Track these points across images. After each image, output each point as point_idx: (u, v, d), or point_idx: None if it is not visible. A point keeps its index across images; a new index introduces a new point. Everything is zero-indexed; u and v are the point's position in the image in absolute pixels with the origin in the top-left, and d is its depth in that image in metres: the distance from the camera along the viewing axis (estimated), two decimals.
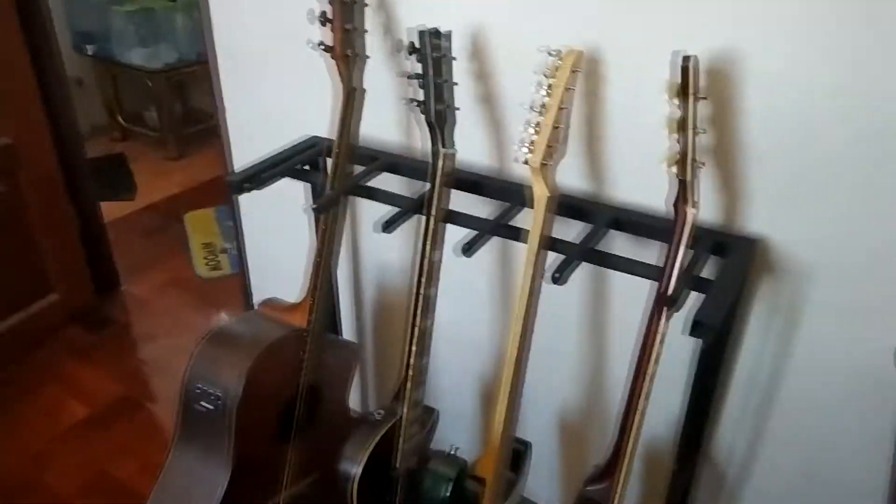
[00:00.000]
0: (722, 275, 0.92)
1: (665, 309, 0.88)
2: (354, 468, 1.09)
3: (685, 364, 1.15)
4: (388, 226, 1.04)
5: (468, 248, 0.98)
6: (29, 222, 2.07)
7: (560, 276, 0.91)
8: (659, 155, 0.89)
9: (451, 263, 1.13)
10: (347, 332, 1.66)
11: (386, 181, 1.24)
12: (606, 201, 1.12)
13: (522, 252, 1.01)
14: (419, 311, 1.12)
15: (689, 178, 0.87)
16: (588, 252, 0.98)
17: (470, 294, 1.35)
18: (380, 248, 1.49)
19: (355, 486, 1.09)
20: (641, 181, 1.09)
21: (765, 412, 1.14)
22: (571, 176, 1.14)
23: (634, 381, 0.96)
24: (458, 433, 1.51)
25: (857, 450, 1.08)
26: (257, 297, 1.76)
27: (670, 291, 0.90)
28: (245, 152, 1.58)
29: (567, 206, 1.09)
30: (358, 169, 1.21)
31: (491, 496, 1.09)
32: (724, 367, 1.12)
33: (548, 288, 1.26)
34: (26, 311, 2.13)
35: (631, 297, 1.17)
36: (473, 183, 1.16)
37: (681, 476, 1.21)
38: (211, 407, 1.11)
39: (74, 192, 2.24)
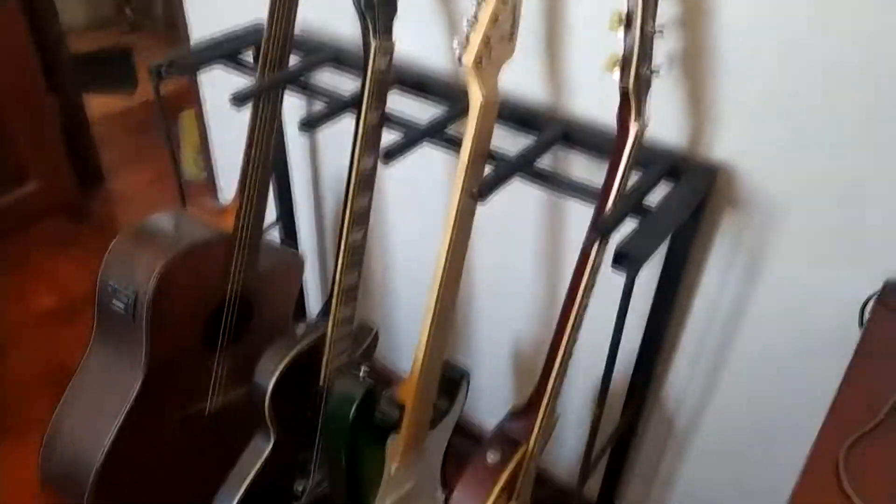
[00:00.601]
0: (666, 202, 0.81)
1: (597, 238, 0.77)
2: (269, 381, 1.03)
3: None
4: (310, 124, 0.94)
5: (389, 155, 0.87)
6: (6, 112, 2.01)
7: (481, 193, 0.80)
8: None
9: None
10: (308, 244, 1.58)
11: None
12: (564, 114, 1.00)
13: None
14: (348, 223, 1.02)
15: (631, 86, 0.74)
16: (521, 166, 0.86)
17: (510, 243, 1.23)
18: (342, 157, 1.38)
19: (267, 401, 1.03)
20: (605, 92, 0.95)
21: (719, 359, 1.04)
22: (526, 82, 1.01)
23: (563, 311, 0.86)
24: (494, 390, 1.44)
25: (807, 410, 0.98)
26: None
27: (605, 216, 0.78)
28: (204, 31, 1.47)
29: (515, 115, 0.97)
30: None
31: (412, 422, 1.02)
32: (677, 305, 1.02)
33: (505, 208, 1.16)
34: (4, 198, 2.09)
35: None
36: (417, 82, 1.04)
37: (626, 417, 1.13)
38: (122, 306, 1.05)
39: (56, 84, 2.16)
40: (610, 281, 0.83)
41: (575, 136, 0.93)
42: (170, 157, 1.23)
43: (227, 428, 1.25)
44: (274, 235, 1.46)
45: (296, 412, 1.09)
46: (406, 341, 1.53)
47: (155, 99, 1.08)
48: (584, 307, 0.86)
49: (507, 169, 0.84)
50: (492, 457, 0.89)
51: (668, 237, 0.92)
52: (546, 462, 1.39)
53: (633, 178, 0.84)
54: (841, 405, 0.64)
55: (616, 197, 0.79)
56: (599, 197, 0.81)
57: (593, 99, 0.96)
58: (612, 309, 0.78)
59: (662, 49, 0.87)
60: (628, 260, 0.71)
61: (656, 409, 1.16)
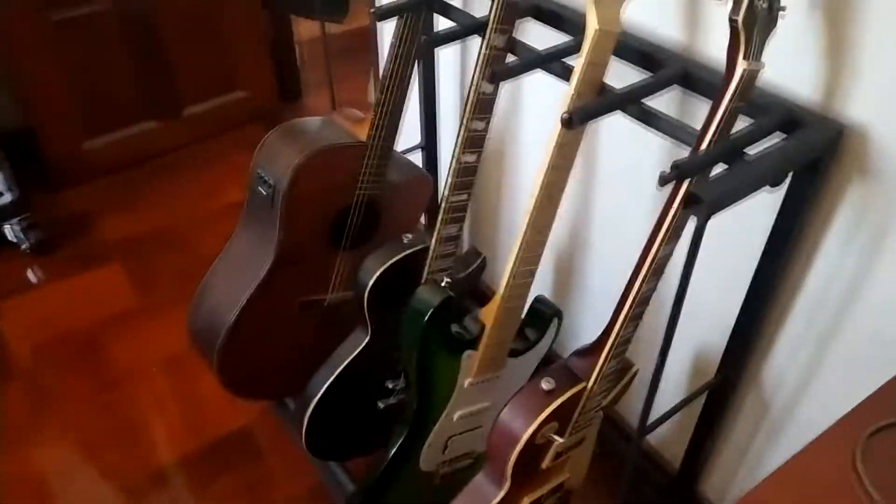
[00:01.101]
0: (768, 153, 0.75)
1: (672, 179, 0.74)
2: (369, 279, 1.12)
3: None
4: (434, 42, 0.98)
5: (496, 75, 0.89)
6: (225, 24, 2.29)
7: (571, 119, 0.80)
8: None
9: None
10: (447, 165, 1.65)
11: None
12: (690, 57, 0.94)
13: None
14: (462, 143, 1.07)
15: (741, 19, 0.69)
16: (625, 102, 0.84)
17: (630, 192, 1.20)
18: None
19: (366, 296, 1.12)
20: None
21: (825, 345, 0.95)
22: (655, 19, 0.97)
23: (642, 254, 0.84)
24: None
25: None
26: None
27: (688, 157, 0.75)
28: None
29: (638, 53, 0.94)
30: None
31: (489, 343, 1.06)
32: (787, 275, 0.94)
33: (624, 150, 1.13)
34: (215, 101, 2.40)
35: None
36: (553, 14, 1.04)
37: (720, 388, 1.08)
38: (265, 193, 1.19)
39: (271, 6, 2.42)
40: (716, 243, 0.79)
41: (695, 79, 0.88)
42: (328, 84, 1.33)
43: (341, 322, 1.38)
44: (417, 160, 1.54)
45: (392, 315, 1.18)
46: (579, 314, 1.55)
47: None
48: (662, 254, 0.83)
49: (607, 102, 0.83)
50: (547, 384, 0.91)
51: (781, 196, 0.85)
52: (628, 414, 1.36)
53: (743, 127, 0.79)
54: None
55: (711, 139, 0.75)
56: (695, 141, 0.77)
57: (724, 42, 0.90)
58: (716, 274, 0.74)
59: None
60: (699, 203, 0.68)
61: (753, 389, 1.09)
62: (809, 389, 1.01)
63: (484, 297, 1.59)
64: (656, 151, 1.09)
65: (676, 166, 0.73)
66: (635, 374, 1.03)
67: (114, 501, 1.41)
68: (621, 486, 1.05)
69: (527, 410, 0.91)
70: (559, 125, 0.89)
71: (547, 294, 1.48)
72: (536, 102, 1.31)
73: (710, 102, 0.91)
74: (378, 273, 1.11)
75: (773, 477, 0.51)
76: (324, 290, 1.34)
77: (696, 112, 0.98)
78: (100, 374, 1.65)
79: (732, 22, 0.71)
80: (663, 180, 0.73)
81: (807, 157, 0.77)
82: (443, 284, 1.03)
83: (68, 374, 1.65)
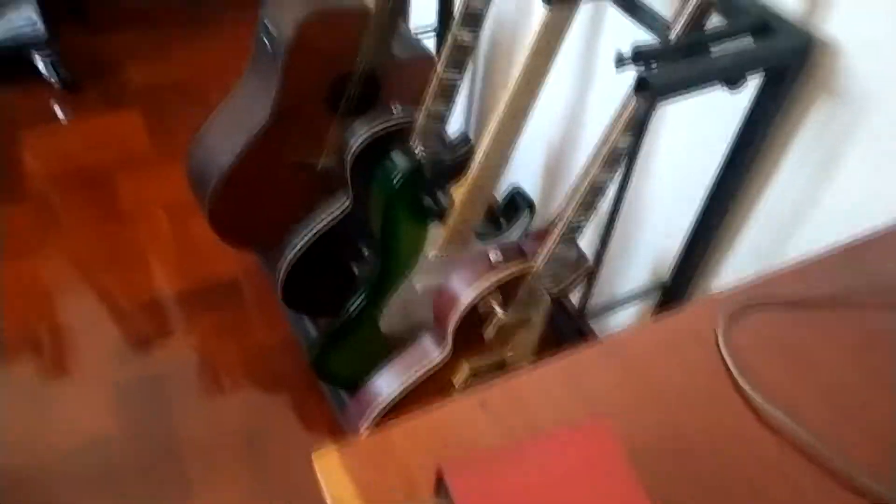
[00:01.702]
0: (725, 53, 0.76)
1: (632, 61, 0.75)
2: (354, 143, 1.16)
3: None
4: None
5: None
6: None
7: None
8: None
9: None
10: None
11: None
12: None
13: None
14: (459, 19, 1.08)
15: None
16: None
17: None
18: None
19: (349, 158, 1.17)
20: None
21: (773, 257, 0.98)
22: None
23: (598, 144, 0.87)
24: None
25: None
26: None
27: (650, 44, 0.76)
28: None
29: None
30: None
31: (458, 219, 1.11)
32: (744, 183, 0.95)
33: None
34: None
35: None
36: None
37: (670, 292, 1.12)
38: (268, 43, 1.22)
39: None
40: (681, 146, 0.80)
41: None
42: None
43: (331, 187, 1.43)
44: (430, 44, 1.55)
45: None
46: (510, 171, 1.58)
47: None
48: (619, 145, 0.85)
49: None
50: (494, 256, 0.96)
51: (749, 102, 0.86)
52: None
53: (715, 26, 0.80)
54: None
55: (680, 31, 0.76)
56: (664, 28, 0.78)
57: None
58: (675, 173, 0.76)
59: None
60: (646, 88, 0.70)
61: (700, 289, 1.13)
62: None
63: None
64: None
65: (637, 49, 0.75)
66: (590, 271, 1.07)
67: (105, 319, 1.53)
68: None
69: (473, 277, 0.97)
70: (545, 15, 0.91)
71: (534, 188, 1.52)
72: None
73: None
74: (364, 137, 1.15)
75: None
76: (317, 154, 1.39)
77: None
78: (107, 207, 1.75)
79: None
80: (619, 62, 0.75)
81: (767, 61, 0.78)
82: (418, 152, 1.07)
83: (77, 203, 1.75)
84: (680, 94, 0.73)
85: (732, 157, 0.91)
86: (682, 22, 0.76)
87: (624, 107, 0.82)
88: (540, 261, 0.97)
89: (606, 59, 1.21)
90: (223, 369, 1.48)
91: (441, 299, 1.00)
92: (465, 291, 0.96)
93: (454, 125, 1.77)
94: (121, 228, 1.71)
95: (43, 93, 2.01)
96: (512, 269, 0.96)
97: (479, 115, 1.68)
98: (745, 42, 0.79)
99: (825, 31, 0.80)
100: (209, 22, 2.34)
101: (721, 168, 0.93)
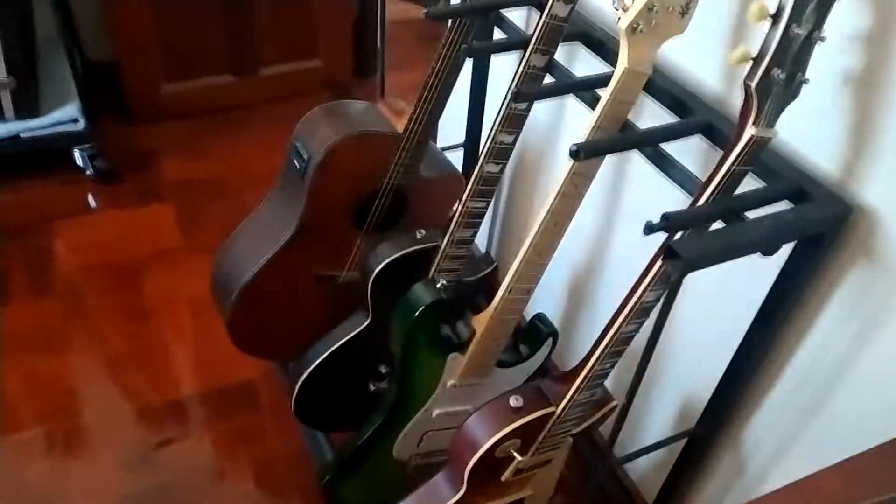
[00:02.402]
0: (765, 218, 0.74)
1: (658, 230, 0.74)
2: (374, 266, 1.16)
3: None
4: (472, 52, 1.00)
5: (519, 93, 0.91)
6: None
7: (578, 151, 0.81)
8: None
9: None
10: None
11: None
12: (719, 107, 0.93)
13: None
14: (487, 152, 1.08)
15: (755, 85, 0.69)
16: (637, 142, 0.85)
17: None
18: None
19: (370, 282, 1.16)
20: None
21: (808, 418, 0.93)
22: (693, 64, 0.96)
23: (628, 295, 0.85)
24: None
25: None
26: None
27: (680, 210, 0.75)
28: None
29: (669, 95, 0.94)
30: None
31: (477, 350, 1.09)
32: (775, 342, 0.92)
33: (650, 187, 1.13)
34: (291, 65, 2.49)
35: None
36: (600, 42, 1.04)
37: (699, 439, 1.07)
38: (298, 165, 1.24)
39: None
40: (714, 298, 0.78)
41: (718, 132, 0.88)
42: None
43: (352, 300, 1.42)
44: (458, 159, 1.57)
45: (392, 304, 1.22)
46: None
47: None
48: (647, 299, 0.83)
49: (620, 139, 0.84)
50: (515, 402, 0.93)
51: (780, 263, 0.84)
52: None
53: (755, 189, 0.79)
54: None
55: (711, 196, 0.75)
56: (696, 193, 0.77)
57: None
58: (710, 329, 0.75)
59: (840, 62, 0.77)
60: (675, 259, 0.69)
61: (730, 450, 1.08)
62: (782, 462, 0.99)
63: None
64: (678, 199, 1.08)
65: (666, 217, 0.73)
66: (614, 408, 1.04)
67: (119, 421, 1.51)
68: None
69: (491, 422, 0.93)
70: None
71: (557, 311, 1.50)
72: (577, 125, 1.31)
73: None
74: (386, 261, 1.14)
75: None
76: (340, 267, 1.39)
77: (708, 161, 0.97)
78: (134, 302, 1.76)
79: (746, 86, 0.70)
80: (649, 229, 0.74)
81: (806, 230, 0.76)
82: (439, 286, 1.05)
83: (105, 297, 1.76)
84: (711, 265, 0.71)
85: (764, 312, 0.88)
86: (715, 184, 0.75)
87: (651, 264, 0.80)
88: (562, 406, 0.94)
89: (633, 195, 1.20)
90: (234, 479, 1.45)
91: (458, 441, 0.96)
92: (484, 437, 0.93)
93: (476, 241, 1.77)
94: (144, 324, 1.71)
95: (77, 184, 2.07)
96: (533, 415, 0.93)
97: (501, 233, 1.68)
98: (781, 207, 0.77)
99: (864, 198, 0.78)
100: (245, 120, 2.41)
101: (753, 322, 0.90)
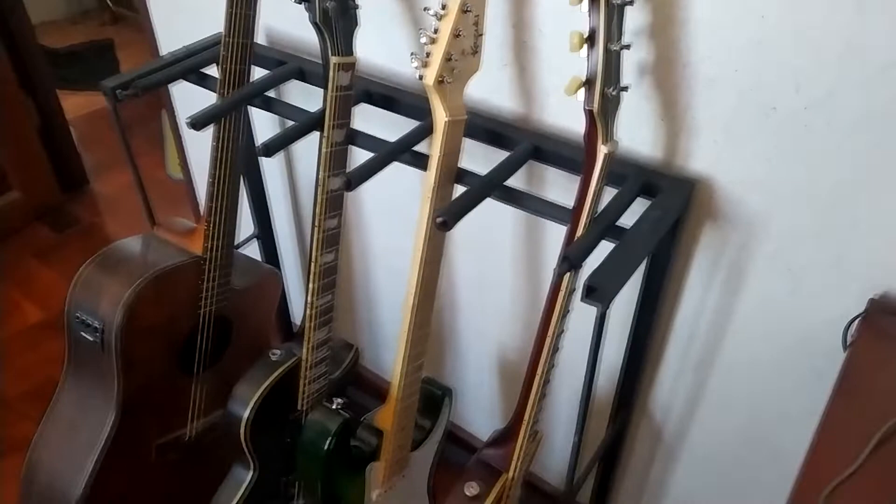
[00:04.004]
0: (640, 224, 0.77)
1: (566, 271, 0.73)
2: (244, 411, 1.00)
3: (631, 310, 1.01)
4: (269, 149, 0.89)
5: (351, 182, 0.83)
6: None
7: (445, 223, 0.76)
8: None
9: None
10: (289, 258, 1.55)
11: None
12: (536, 127, 0.95)
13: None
14: (318, 246, 0.99)
15: (597, 108, 0.70)
16: (489, 189, 0.82)
17: (489, 255, 1.18)
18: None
19: (246, 430, 1.00)
20: (578, 104, 0.91)
21: (703, 371, 1.01)
22: (494, 95, 0.97)
23: (538, 338, 0.83)
24: (477, 408, 1.42)
25: (794, 418, 0.95)
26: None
27: (574, 246, 0.75)
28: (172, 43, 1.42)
29: (485, 130, 0.93)
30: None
31: (391, 448, 1.00)
32: (660, 320, 0.99)
33: (482, 220, 1.12)
34: None
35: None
36: (385, 97, 1.00)
37: (614, 430, 1.10)
38: (91, 339, 1.02)
39: (31, 87, 2.11)
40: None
41: (547, 151, 0.89)
42: (133, 172, 1.18)
43: (212, 450, 1.23)
44: (253, 251, 1.42)
45: (275, 438, 1.07)
46: (392, 342, 1.51)
47: (114, 121, 1.05)
48: (558, 333, 0.83)
49: (474, 194, 0.80)
50: (470, 490, 0.87)
51: (647, 258, 0.89)
52: (536, 468, 1.37)
53: (609, 195, 0.81)
54: (821, 446, 0.61)
55: (587, 221, 0.76)
56: (570, 220, 0.77)
57: (565, 111, 0.92)
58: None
59: (632, 58, 0.82)
60: (599, 294, 0.68)
61: (644, 420, 1.14)
62: (694, 415, 1.07)
63: (367, 382, 1.52)
64: (508, 215, 1.09)
65: (566, 257, 0.72)
66: (540, 439, 1.02)
67: None
68: None
69: None
70: (425, 225, 0.86)
71: (435, 364, 1.45)
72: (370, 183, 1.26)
73: (560, 170, 0.94)
74: (253, 402, 0.99)
75: None
76: (182, 424, 1.19)
77: (544, 177, 0.99)
78: None
79: (588, 112, 0.71)
80: (559, 275, 0.72)
81: (675, 216, 0.81)
82: (335, 406, 0.94)
83: None
84: (622, 286, 0.71)
85: (643, 295, 0.93)
86: (588, 206, 0.75)
87: (552, 305, 0.79)
88: (513, 467, 0.90)
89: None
90: None
91: None
92: None
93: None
94: None
95: None
96: (494, 492, 0.88)
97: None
98: (640, 203, 0.81)
99: (694, 170, 0.84)
100: None
101: (637, 308, 0.94)
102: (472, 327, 1.30)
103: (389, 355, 1.50)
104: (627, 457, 1.20)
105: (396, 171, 1.03)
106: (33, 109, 2.15)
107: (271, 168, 1.40)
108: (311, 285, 1.01)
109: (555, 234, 1.05)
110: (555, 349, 0.84)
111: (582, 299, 0.70)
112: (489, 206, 0.97)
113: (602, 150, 0.73)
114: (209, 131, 1.00)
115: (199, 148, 1.65)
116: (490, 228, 1.13)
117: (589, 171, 0.75)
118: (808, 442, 0.64)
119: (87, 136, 2.41)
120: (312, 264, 1.00)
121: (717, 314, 0.95)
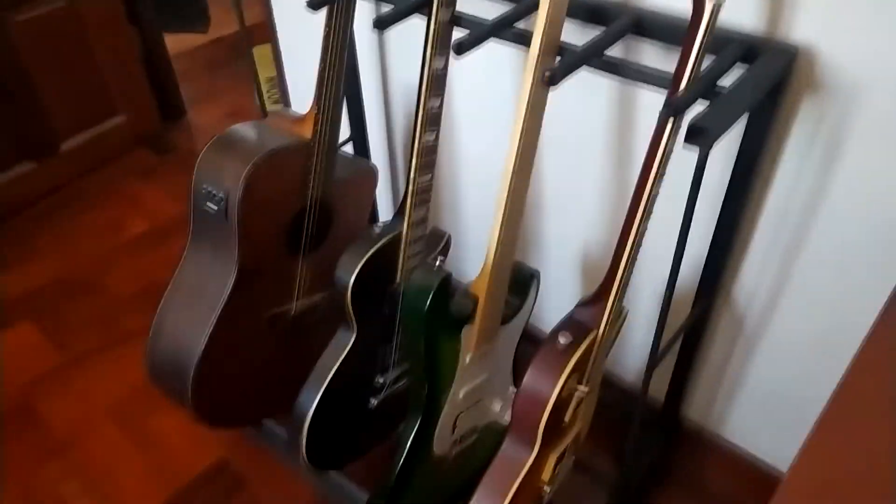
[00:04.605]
0: (740, 83, 0.80)
1: (669, 116, 0.78)
2: (348, 278, 1.09)
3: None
4: (382, 23, 0.96)
5: (461, 47, 0.89)
6: (91, 46, 2.11)
7: (553, 78, 0.81)
8: None
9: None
10: (377, 155, 1.63)
11: None
12: (634, 5, 0.99)
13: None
14: (421, 125, 1.06)
15: None
16: (592, 54, 0.87)
17: (581, 149, 1.22)
18: (410, 70, 1.41)
19: (348, 295, 1.09)
20: None
21: (791, 257, 1.04)
22: None
23: (634, 197, 0.88)
24: (562, 296, 1.46)
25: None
26: None
27: (679, 94, 0.79)
28: None
29: (584, 8, 0.97)
30: None
31: (485, 314, 1.07)
32: (751, 197, 1.01)
33: (572, 109, 1.17)
34: (93, 130, 2.22)
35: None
36: None
37: (695, 315, 1.14)
38: (216, 208, 1.12)
39: (136, 20, 2.25)
40: (683, 174, 0.84)
41: (646, 25, 0.93)
42: (253, 78, 1.28)
43: (312, 329, 1.33)
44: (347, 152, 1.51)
45: (374, 308, 1.16)
46: (474, 254, 1.58)
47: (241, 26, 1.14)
48: (654, 195, 0.87)
49: (578, 56, 0.85)
50: (563, 339, 0.93)
51: (744, 123, 0.92)
52: (613, 365, 1.42)
53: (707, 64, 0.84)
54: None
55: (690, 77, 0.80)
56: (672, 80, 0.81)
57: None
58: (682, 206, 0.79)
59: None
60: (702, 135, 0.72)
61: (725, 309, 1.17)
62: (779, 303, 1.09)
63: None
64: (604, 108, 1.13)
65: (669, 103, 0.77)
66: (626, 316, 1.07)
67: None
68: (630, 434, 1.08)
69: (549, 369, 0.93)
70: (528, 88, 0.91)
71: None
72: (461, 77, 1.32)
73: (659, 44, 0.97)
74: (359, 268, 1.08)
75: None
76: (289, 300, 1.29)
77: (643, 55, 1.03)
78: (43, 439, 1.50)
79: None
80: (663, 117, 0.76)
81: (774, 79, 0.83)
82: (436, 266, 1.02)
83: (7, 447, 1.49)
84: (724, 133, 0.75)
85: (737, 167, 0.96)
86: (693, 61, 0.79)
87: (651, 158, 0.84)
88: (602, 326, 0.96)
89: (555, 119, 1.23)
90: None
91: (523, 403, 0.95)
92: (549, 387, 0.92)
93: None
94: (68, 458, 1.47)
95: None
96: (584, 344, 0.94)
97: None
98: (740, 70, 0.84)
99: (796, 38, 0.87)
100: (66, 203, 2.13)
101: (729, 181, 0.97)
102: (558, 221, 1.35)
103: (471, 267, 1.57)
104: (705, 349, 1.24)
105: (489, 65, 1.08)
106: (139, 41, 2.29)
107: (366, 72, 1.47)
108: (413, 161, 1.08)
109: (645, 122, 1.09)
110: (648, 213, 0.88)
111: (684, 142, 0.75)
112: (581, 98, 1.01)
113: (710, 5, 0.77)
114: (308, 58, 1.06)
115: (297, 77, 1.73)
116: (582, 120, 1.17)
117: (695, 25, 0.78)
118: None
119: (181, 74, 2.55)
120: (416, 142, 1.07)
121: (811, 193, 0.97)
